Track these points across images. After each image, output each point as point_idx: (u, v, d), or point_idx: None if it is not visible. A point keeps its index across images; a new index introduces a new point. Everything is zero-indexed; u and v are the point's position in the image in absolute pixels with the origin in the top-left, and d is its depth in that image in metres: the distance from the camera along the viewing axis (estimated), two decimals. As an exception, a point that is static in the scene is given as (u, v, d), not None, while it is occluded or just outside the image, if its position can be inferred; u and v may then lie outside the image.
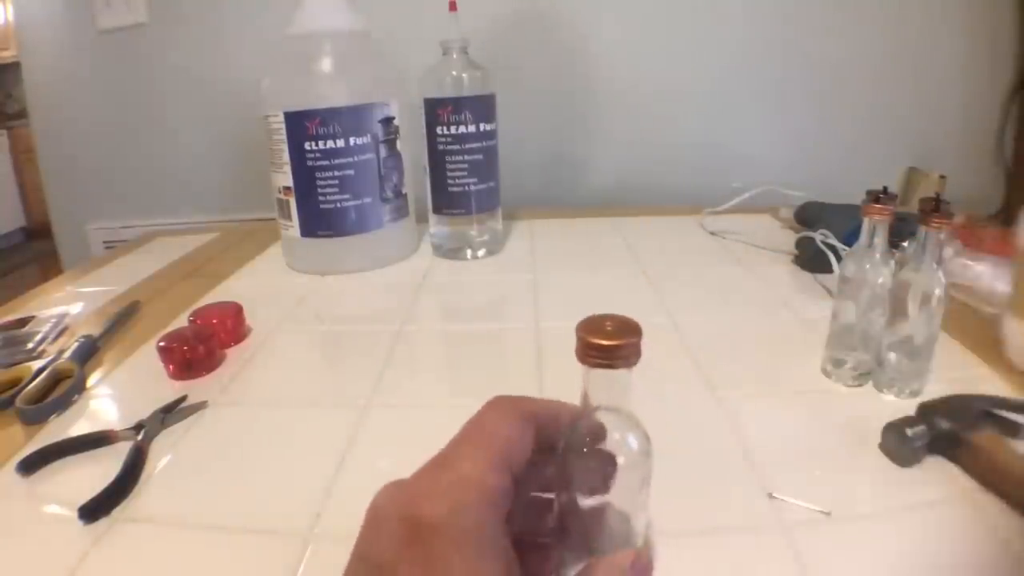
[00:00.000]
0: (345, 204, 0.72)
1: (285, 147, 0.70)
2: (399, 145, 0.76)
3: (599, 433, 0.25)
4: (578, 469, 0.25)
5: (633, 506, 0.27)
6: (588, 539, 0.26)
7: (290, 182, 0.72)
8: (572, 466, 0.25)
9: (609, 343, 0.23)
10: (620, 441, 0.25)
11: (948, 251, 0.66)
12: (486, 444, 0.23)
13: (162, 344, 0.51)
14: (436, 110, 0.73)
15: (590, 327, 0.23)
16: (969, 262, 0.64)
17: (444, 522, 0.19)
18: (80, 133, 1.14)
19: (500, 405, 0.24)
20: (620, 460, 0.25)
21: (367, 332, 0.60)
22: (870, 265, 0.44)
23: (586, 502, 0.26)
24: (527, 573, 0.26)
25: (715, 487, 0.37)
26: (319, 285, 0.72)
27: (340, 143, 0.70)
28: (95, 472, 0.39)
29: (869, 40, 1.00)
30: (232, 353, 0.56)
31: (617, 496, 0.26)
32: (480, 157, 0.75)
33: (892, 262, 0.44)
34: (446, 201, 0.77)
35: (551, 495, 0.27)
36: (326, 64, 0.71)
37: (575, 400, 0.28)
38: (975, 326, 0.55)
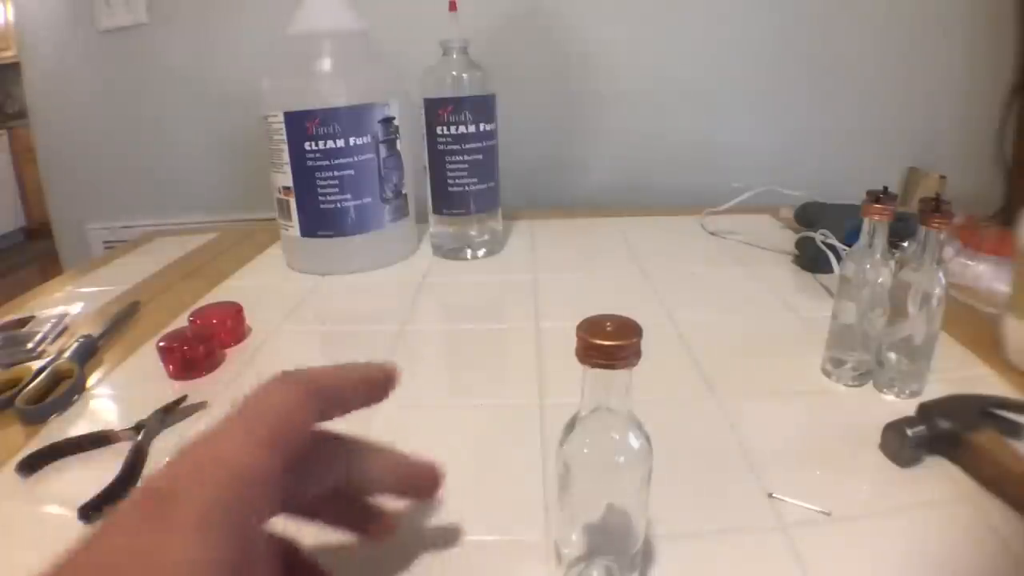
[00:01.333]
0: (345, 204, 0.72)
1: (285, 147, 0.70)
2: (399, 145, 0.76)
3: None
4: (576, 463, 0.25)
5: (633, 505, 0.27)
6: (587, 534, 0.28)
7: (290, 182, 0.72)
8: (571, 463, 0.25)
9: (609, 344, 0.23)
10: (620, 441, 0.25)
11: (948, 251, 0.66)
12: (254, 423, 0.22)
13: (162, 344, 0.51)
14: (436, 110, 0.73)
15: (590, 328, 0.23)
16: (969, 262, 0.64)
17: (175, 496, 0.19)
18: (80, 133, 1.14)
19: (281, 380, 0.24)
20: (620, 460, 0.25)
21: (367, 332, 0.60)
22: (870, 265, 0.44)
23: (586, 499, 0.26)
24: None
25: (715, 487, 0.37)
26: (319, 285, 0.72)
27: (340, 143, 0.70)
28: (95, 472, 0.39)
29: (869, 40, 1.00)
30: (232, 353, 0.56)
31: (617, 495, 0.26)
32: (480, 157, 0.75)
33: (892, 262, 0.44)
34: (446, 201, 0.77)
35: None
36: (326, 64, 0.71)
37: (575, 401, 0.28)
38: (975, 326, 0.55)
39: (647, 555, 0.32)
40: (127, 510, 0.20)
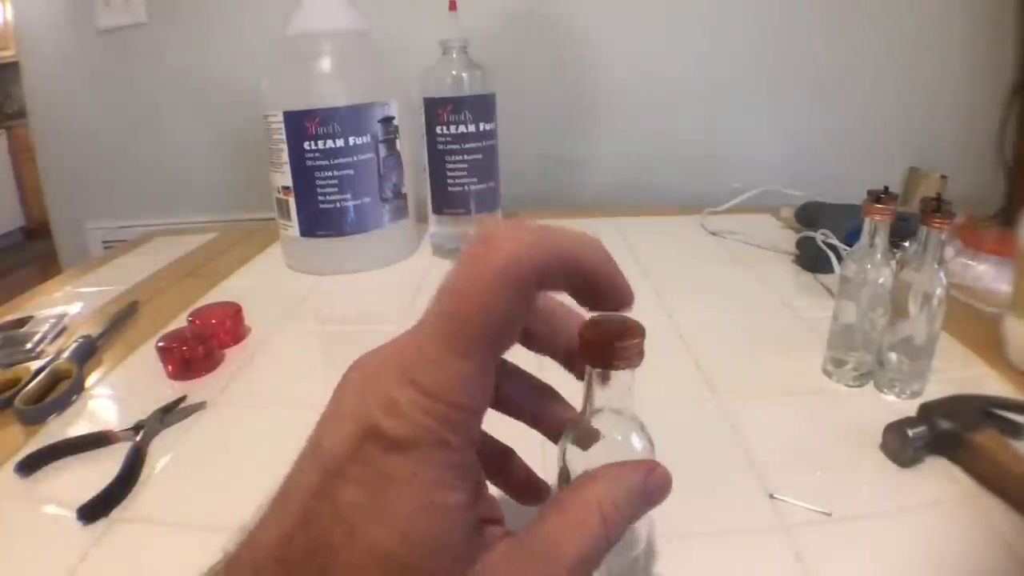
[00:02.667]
0: (344, 204, 0.72)
1: (284, 147, 0.70)
2: (399, 145, 0.75)
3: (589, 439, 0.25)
4: (578, 465, 0.25)
5: None
6: None
7: (289, 182, 0.72)
8: (572, 463, 0.25)
9: (612, 344, 0.23)
10: (623, 443, 0.25)
11: (949, 251, 0.66)
12: (466, 337, 0.19)
13: (161, 344, 0.51)
14: (436, 110, 0.73)
15: (593, 328, 0.23)
16: (970, 262, 0.64)
17: (401, 442, 0.17)
18: (79, 133, 1.14)
19: (496, 255, 0.18)
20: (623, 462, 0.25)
21: (367, 332, 0.60)
22: (871, 265, 0.43)
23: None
24: (509, 485, 0.27)
25: (716, 488, 0.37)
26: (318, 285, 0.72)
27: (340, 143, 0.70)
28: (94, 472, 0.39)
29: (870, 40, 1.00)
30: (231, 353, 0.56)
31: None
32: (480, 157, 0.75)
33: (893, 262, 0.44)
34: (446, 201, 0.77)
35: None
36: (326, 64, 0.71)
37: (576, 402, 0.28)
38: (976, 326, 0.54)
39: (648, 555, 0.32)
40: (341, 458, 0.18)
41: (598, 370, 0.24)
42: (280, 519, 0.18)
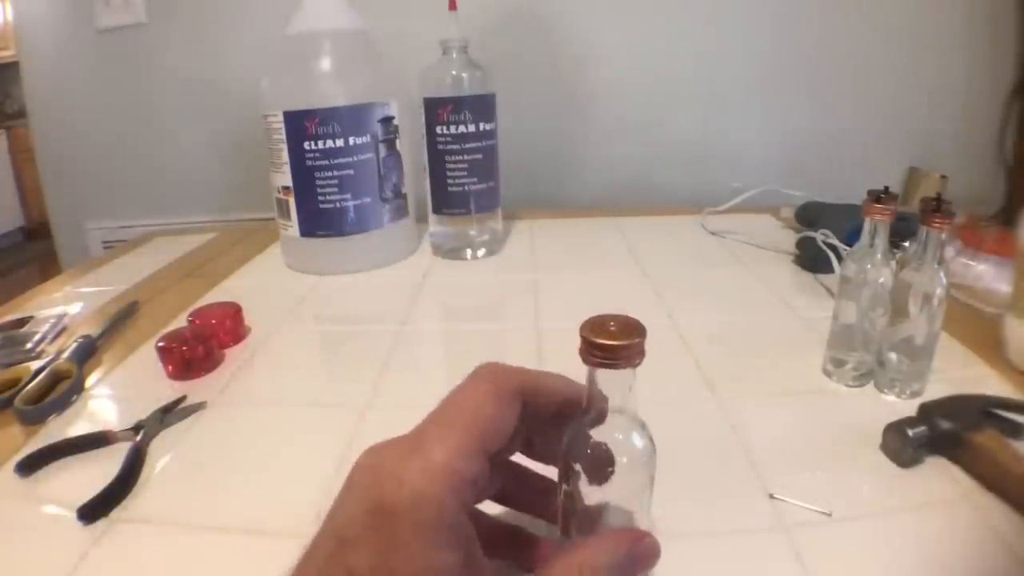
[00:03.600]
0: (344, 204, 0.72)
1: (284, 147, 0.70)
2: (399, 145, 0.75)
3: (600, 418, 0.25)
4: (580, 464, 0.25)
5: (637, 506, 0.27)
6: (588, 534, 0.26)
7: (289, 182, 0.71)
8: (573, 461, 0.25)
9: (613, 343, 0.23)
10: (624, 441, 0.25)
11: (949, 251, 0.66)
12: (461, 426, 0.23)
13: (161, 344, 0.51)
14: (436, 110, 0.73)
15: (594, 327, 0.23)
16: (970, 262, 0.64)
17: (406, 509, 0.20)
18: (79, 133, 1.14)
19: (483, 378, 0.24)
20: (623, 460, 0.25)
21: (367, 332, 0.60)
22: (871, 265, 0.43)
23: (588, 499, 0.25)
24: (519, 559, 0.29)
25: (716, 488, 0.37)
26: (318, 285, 0.72)
27: (339, 143, 0.70)
28: (94, 473, 0.39)
29: (870, 40, 1.00)
30: (231, 353, 0.56)
31: (620, 496, 0.26)
32: (480, 157, 0.75)
33: (893, 262, 0.44)
34: (446, 201, 0.77)
35: (543, 475, 0.28)
36: (325, 64, 0.70)
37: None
38: (976, 326, 0.54)
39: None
40: (353, 527, 0.21)
41: (600, 370, 0.24)
42: None
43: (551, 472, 0.28)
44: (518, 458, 0.29)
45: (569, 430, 0.26)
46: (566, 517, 0.26)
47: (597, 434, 0.25)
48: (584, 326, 0.23)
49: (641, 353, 0.23)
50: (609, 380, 0.24)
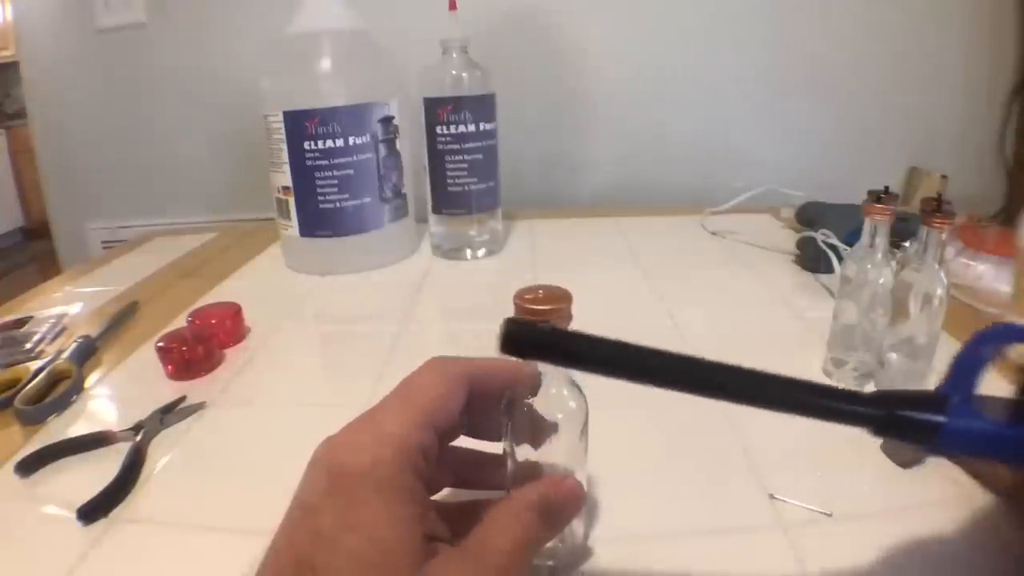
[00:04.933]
0: (344, 204, 0.72)
1: (284, 147, 0.70)
2: (399, 145, 0.75)
3: (535, 389, 0.28)
4: (517, 423, 0.28)
5: (575, 463, 0.30)
6: None
7: (289, 182, 0.71)
8: (513, 420, 0.28)
9: (542, 307, 0.26)
10: (558, 403, 0.28)
11: (950, 251, 0.66)
12: (412, 403, 0.25)
13: (161, 344, 0.51)
14: (436, 109, 0.73)
15: (524, 295, 0.27)
16: (971, 262, 0.64)
17: (363, 471, 0.22)
18: (79, 132, 1.14)
19: (432, 366, 0.27)
20: (558, 416, 0.28)
21: (367, 332, 0.60)
22: (871, 265, 0.43)
23: (527, 456, 0.28)
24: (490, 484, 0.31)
25: (716, 488, 0.37)
26: (318, 285, 0.72)
27: (339, 143, 0.70)
28: (94, 473, 0.39)
29: (870, 39, 1.00)
30: (231, 353, 0.56)
31: (558, 455, 0.29)
32: (480, 157, 0.75)
33: (893, 262, 0.44)
34: (446, 201, 0.77)
35: (494, 452, 0.30)
36: (325, 63, 0.70)
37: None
38: (977, 326, 0.54)
39: (649, 554, 0.32)
40: (316, 494, 0.23)
41: None
42: (271, 558, 0.22)
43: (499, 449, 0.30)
44: (474, 444, 0.31)
45: (506, 398, 0.28)
46: (513, 481, 0.29)
47: (536, 402, 0.28)
48: (516, 294, 0.27)
49: (569, 317, 0.26)
50: None
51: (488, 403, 0.28)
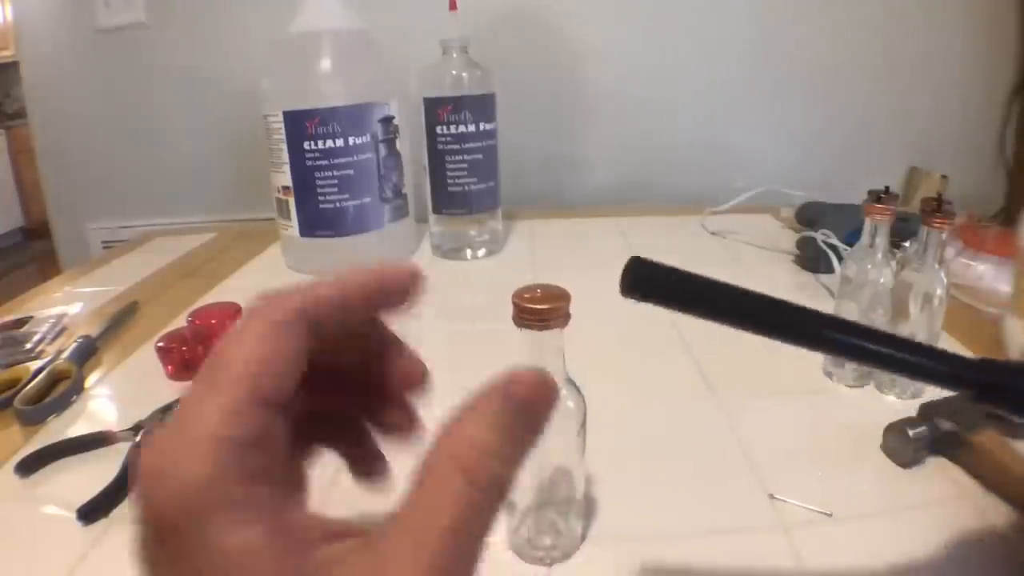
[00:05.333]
0: (344, 204, 0.72)
1: (284, 147, 0.70)
2: (399, 145, 0.75)
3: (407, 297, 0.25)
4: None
5: (573, 461, 0.30)
6: None
7: (289, 182, 0.71)
8: None
9: (540, 307, 0.26)
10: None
11: (950, 251, 0.66)
12: (227, 381, 0.18)
13: (161, 345, 0.51)
14: (436, 109, 0.73)
15: (523, 294, 0.26)
16: (971, 262, 0.64)
17: (180, 518, 0.16)
18: (79, 132, 1.14)
19: (253, 315, 0.19)
20: (557, 418, 0.27)
21: (367, 332, 0.60)
22: (871, 265, 0.43)
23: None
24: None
25: (716, 488, 0.37)
26: (319, 285, 0.72)
27: (339, 143, 0.70)
28: (94, 473, 0.39)
29: (870, 39, 1.00)
30: (231, 353, 0.56)
31: (556, 454, 0.29)
32: (480, 157, 0.75)
33: (893, 262, 0.44)
34: (446, 201, 0.77)
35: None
36: (325, 63, 0.70)
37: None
38: (976, 326, 0.54)
39: (649, 554, 0.32)
40: (144, 549, 0.19)
41: (529, 331, 0.26)
42: None
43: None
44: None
45: None
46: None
47: None
48: (515, 294, 0.26)
49: (566, 316, 0.26)
50: (540, 341, 0.27)
51: (358, 340, 0.22)
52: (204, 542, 0.16)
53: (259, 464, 0.17)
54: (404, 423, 0.25)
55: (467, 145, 0.74)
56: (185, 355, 0.51)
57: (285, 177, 0.71)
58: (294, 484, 0.22)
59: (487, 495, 0.17)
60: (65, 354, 0.53)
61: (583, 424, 0.29)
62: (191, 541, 0.16)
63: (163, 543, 0.17)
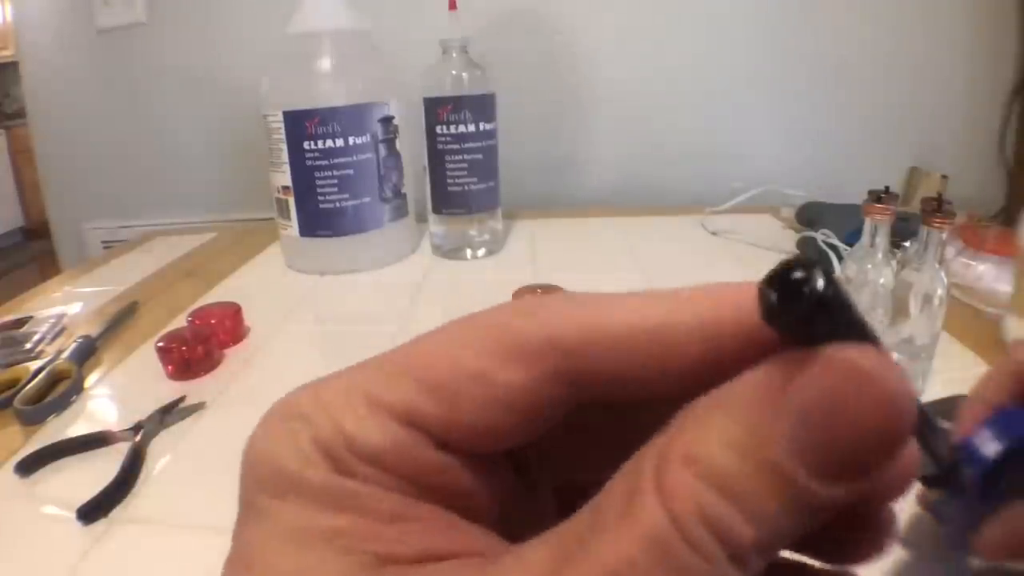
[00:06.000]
0: (344, 204, 0.72)
1: (284, 147, 0.70)
2: (398, 145, 0.75)
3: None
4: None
5: None
6: None
7: (289, 182, 0.71)
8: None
9: None
10: None
11: (950, 251, 0.66)
12: (403, 368, 0.13)
13: (160, 344, 0.51)
14: (436, 109, 0.73)
15: (523, 294, 0.26)
16: (971, 262, 0.64)
17: (297, 473, 0.12)
18: (78, 132, 1.14)
19: (501, 312, 0.14)
20: None
21: (367, 332, 0.60)
22: (871, 265, 0.43)
23: None
24: None
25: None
26: (318, 285, 0.72)
27: (339, 143, 0.70)
28: (94, 473, 0.39)
29: (870, 39, 1.00)
30: (231, 353, 0.56)
31: None
32: (480, 157, 0.75)
33: (894, 262, 0.44)
34: (446, 201, 0.77)
35: None
36: (325, 63, 0.70)
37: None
38: (977, 326, 0.54)
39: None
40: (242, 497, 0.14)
41: None
42: None
43: None
44: None
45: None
46: None
47: None
48: (515, 293, 0.26)
49: None
50: None
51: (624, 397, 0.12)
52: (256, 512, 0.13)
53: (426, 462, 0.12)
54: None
55: (467, 145, 0.74)
56: (185, 355, 0.51)
57: (285, 177, 0.71)
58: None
59: (696, 549, 0.09)
60: (65, 354, 0.53)
61: None
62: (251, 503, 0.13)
63: (261, 519, 0.13)
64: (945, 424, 0.38)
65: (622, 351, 0.12)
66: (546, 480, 0.14)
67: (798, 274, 0.09)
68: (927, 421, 0.13)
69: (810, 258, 0.09)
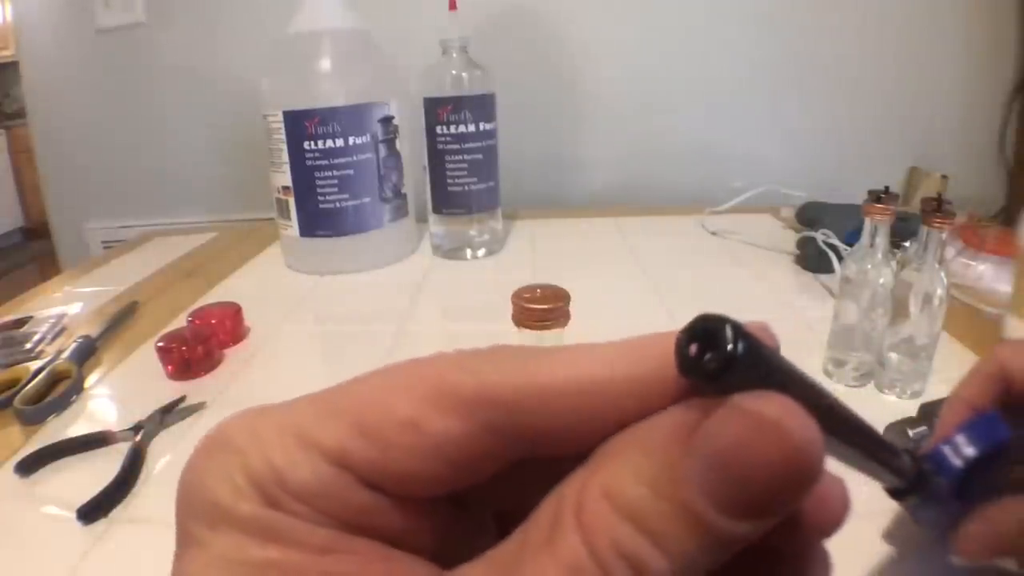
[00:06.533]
0: (344, 204, 0.72)
1: (284, 147, 0.70)
2: (398, 145, 0.75)
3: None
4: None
5: None
6: None
7: (289, 182, 0.71)
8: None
9: (539, 307, 0.26)
10: None
11: (950, 251, 0.66)
12: (333, 409, 0.13)
13: (161, 344, 0.51)
14: (436, 109, 0.73)
15: (523, 294, 0.26)
16: (971, 262, 0.64)
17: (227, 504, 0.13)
18: (78, 132, 1.14)
19: (427, 364, 0.13)
20: None
21: (367, 332, 0.60)
22: (871, 265, 0.43)
23: None
24: None
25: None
26: (318, 285, 0.72)
27: (339, 143, 0.70)
28: (94, 473, 0.39)
29: (870, 39, 1.00)
30: (231, 353, 0.56)
31: None
32: (480, 157, 0.75)
33: (894, 262, 0.44)
34: (446, 201, 0.77)
35: None
36: (325, 63, 0.70)
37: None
38: (977, 326, 0.54)
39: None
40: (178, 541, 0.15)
41: (528, 331, 0.26)
42: None
43: None
44: None
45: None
46: None
47: None
48: (515, 294, 0.26)
49: (566, 315, 0.26)
50: (540, 341, 0.27)
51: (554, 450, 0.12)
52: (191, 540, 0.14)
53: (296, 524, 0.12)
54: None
55: (467, 145, 0.74)
56: (185, 355, 0.51)
57: (285, 177, 0.71)
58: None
59: None
60: (65, 354, 0.53)
61: None
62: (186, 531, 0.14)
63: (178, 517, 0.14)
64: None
65: (556, 408, 0.12)
66: (486, 505, 0.15)
67: (709, 330, 0.10)
68: (883, 444, 0.15)
69: (722, 316, 0.10)
